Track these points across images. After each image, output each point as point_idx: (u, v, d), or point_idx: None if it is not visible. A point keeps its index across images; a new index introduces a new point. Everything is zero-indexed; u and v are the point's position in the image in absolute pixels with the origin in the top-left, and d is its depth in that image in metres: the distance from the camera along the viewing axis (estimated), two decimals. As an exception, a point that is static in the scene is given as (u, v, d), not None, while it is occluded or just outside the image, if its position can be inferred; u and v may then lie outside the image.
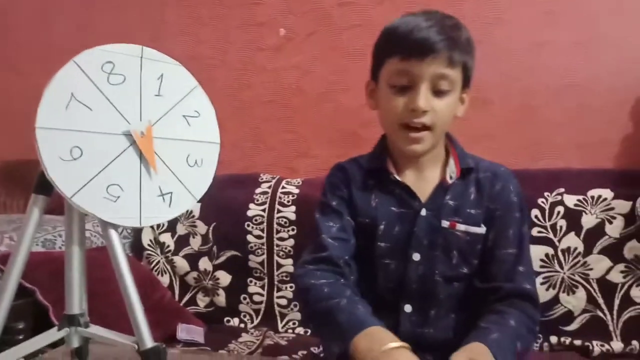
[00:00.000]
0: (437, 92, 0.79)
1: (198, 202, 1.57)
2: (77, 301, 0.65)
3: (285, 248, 1.56)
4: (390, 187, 0.86)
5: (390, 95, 0.81)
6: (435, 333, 0.82)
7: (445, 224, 0.83)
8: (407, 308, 0.83)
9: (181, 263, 1.63)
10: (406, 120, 0.79)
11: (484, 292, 0.82)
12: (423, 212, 0.84)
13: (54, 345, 0.77)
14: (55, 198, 0.64)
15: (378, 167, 0.87)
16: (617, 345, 1.29)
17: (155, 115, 0.66)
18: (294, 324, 1.52)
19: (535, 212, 1.38)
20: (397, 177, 0.85)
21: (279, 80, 1.81)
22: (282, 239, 1.57)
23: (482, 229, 0.84)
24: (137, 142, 0.63)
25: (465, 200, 0.85)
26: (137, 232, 1.68)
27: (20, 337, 1.17)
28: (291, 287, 1.54)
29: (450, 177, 0.85)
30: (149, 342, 0.61)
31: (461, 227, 0.83)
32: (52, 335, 0.64)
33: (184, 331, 1.38)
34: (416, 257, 0.83)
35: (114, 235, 0.62)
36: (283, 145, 1.82)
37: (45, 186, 0.60)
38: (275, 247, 1.57)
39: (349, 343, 0.67)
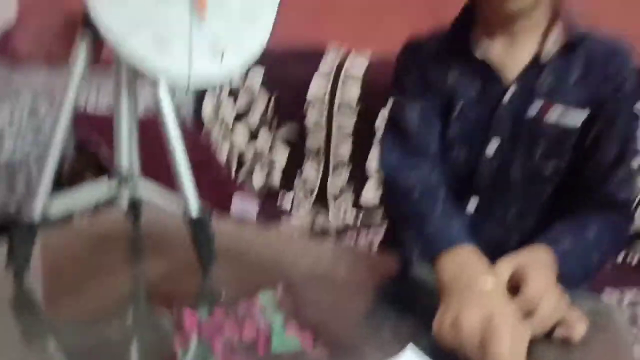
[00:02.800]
0: None
1: (259, 67, 1.55)
2: (125, 154, 0.63)
3: (345, 130, 1.50)
4: (472, 63, 0.73)
5: None
6: (499, 233, 0.75)
7: (534, 109, 0.70)
8: (472, 204, 0.75)
9: (239, 138, 1.63)
10: None
11: (572, 196, 0.73)
12: (509, 92, 0.71)
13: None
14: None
15: (459, 40, 0.74)
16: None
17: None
18: (345, 210, 1.51)
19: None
20: (481, 51, 0.72)
21: None
22: (342, 120, 1.50)
23: (581, 117, 0.70)
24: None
25: (565, 82, 0.70)
26: (198, 103, 1.66)
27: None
28: (347, 172, 1.51)
29: (549, 52, 0.70)
30: (195, 211, 0.59)
31: (554, 114, 0.70)
32: (102, 188, 0.64)
33: (238, 203, 1.41)
34: (492, 147, 0.73)
35: (163, 92, 0.57)
36: (355, 10, 1.65)
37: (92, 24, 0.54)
38: (334, 128, 1.51)
39: (434, 257, 0.60)
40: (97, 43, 0.56)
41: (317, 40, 1.61)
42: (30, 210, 0.55)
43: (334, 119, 1.51)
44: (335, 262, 0.70)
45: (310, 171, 1.55)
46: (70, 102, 0.57)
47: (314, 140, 1.54)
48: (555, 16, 0.72)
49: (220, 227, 0.64)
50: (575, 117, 0.70)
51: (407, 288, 0.66)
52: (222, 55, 0.61)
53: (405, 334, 0.52)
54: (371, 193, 1.48)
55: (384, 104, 1.40)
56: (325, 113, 1.52)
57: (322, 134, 1.53)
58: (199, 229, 0.58)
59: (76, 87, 0.57)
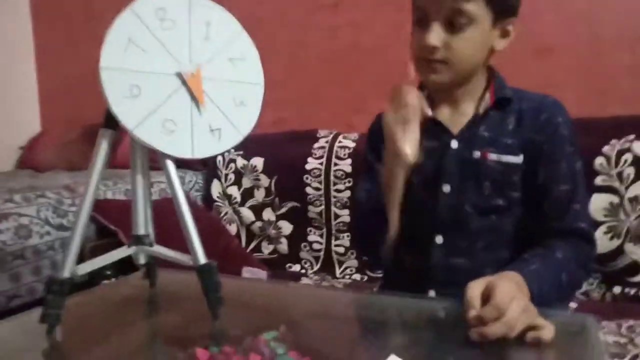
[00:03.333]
0: (453, 28, 0.77)
1: (260, 156, 1.71)
2: (142, 223, 0.75)
3: (342, 199, 1.62)
4: (425, 122, 0.85)
5: (415, 31, 0.82)
6: (472, 265, 0.82)
7: (476, 154, 0.82)
8: (439, 239, 0.84)
9: (247, 213, 1.75)
10: (422, 55, 0.80)
11: (536, 229, 0.81)
12: (454, 144, 0.84)
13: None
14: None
15: None
16: (686, 297, 1.23)
17: (203, 57, 0.72)
18: (350, 270, 1.59)
19: (600, 160, 1.32)
20: (432, 112, 0.85)
21: (336, 38, 1.83)
22: (338, 191, 1.62)
23: (517, 158, 0.82)
24: (187, 81, 0.70)
25: (502, 131, 0.83)
26: (207, 185, 1.81)
27: (108, 272, 1.34)
28: (348, 236, 1.61)
29: (485, 108, 0.84)
30: (202, 259, 0.69)
31: (493, 156, 0.82)
32: (122, 251, 0.75)
33: (248, 273, 1.50)
34: (446, 188, 0.84)
35: (170, 165, 0.70)
36: (340, 101, 1.85)
37: (111, 121, 0.68)
38: (332, 198, 1.63)
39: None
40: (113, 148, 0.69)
41: (309, 128, 1.79)
42: (62, 269, 0.66)
43: (331, 191, 1.64)
44: (331, 302, 0.78)
45: (315, 238, 1.65)
46: (93, 188, 0.68)
47: (315, 212, 1.65)
48: (489, 81, 0.86)
49: (230, 283, 0.73)
50: (511, 160, 0.82)
51: (390, 319, 0.73)
52: (219, 134, 0.74)
53: (389, 349, 0.59)
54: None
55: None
56: (322, 187, 1.65)
57: (322, 206, 1.64)
58: (206, 275, 0.68)
59: (98, 175, 0.69)
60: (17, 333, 0.72)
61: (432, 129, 0.85)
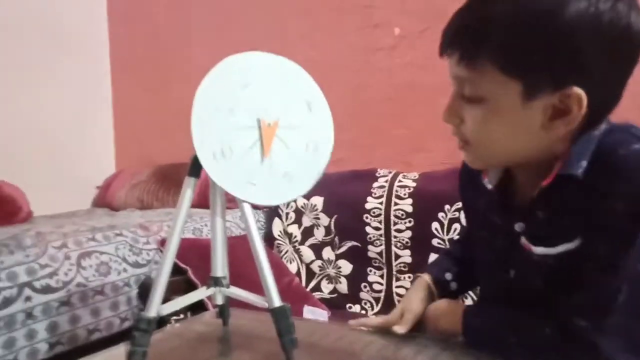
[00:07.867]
0: (465, 98, 0.63)
1: (320, 195, 1.74)
2: (220, 265, 0.79)
3: (403, 239, 1.61)
4: (493, 194, 0.74)
5: None
6: None
7: (525, 243, 0.69)
8: None
9: (307, 252, 1.78)
10: None
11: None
12: (517, 226, 0.70)
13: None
14: (202, 196, 0.81)
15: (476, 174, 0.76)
16: None
17: (280, 110, 0.77)
18: (412, 312, 1.57)
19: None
20: (489, 187, 0.73)
21: (394, 78, 1.88)
22: (399, 231, 1.62)
23: (571, 244, 0.64)
24: (262, 131, 0.75)
25: (562, 209, 0.65)
26: (269, 223, 1.86)
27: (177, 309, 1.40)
28: (409, 277, 1.59)
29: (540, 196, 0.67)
30: (277, 302, 0.72)
31: (538, 250, 0.67)
32: (202, 292, 0.79)
33: (309, 313, 1.51)
34: (512, 273, 0.73)
35: (247, 208, 0.74)
36: (399, 140, 1.88)
37: (196, 170, 0.74)
38: (392, 238, 1.63)
39: None
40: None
41: (369, 167, 1.82)
42: (149, 309, 0.70)
43: (391, 231, 1.64)
44: (399, 345, 0.78)
45: (375, 279, 1.65)
46: (178, 232, 0.74)
47: (375, 252, 1.65)
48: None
49: (296, 323, 0.75)
50: (561, 250, 0.66)
51: None
52: (293, 181, 0.78)
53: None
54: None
55: (435, 216, 1.54)
56: (382, 227, 1.65)
57: (382, 245, 1.65)
58: (280, 317, 0.70)
59: (183, 221, 0.74)
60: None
61: (498, 204, 0.73)
